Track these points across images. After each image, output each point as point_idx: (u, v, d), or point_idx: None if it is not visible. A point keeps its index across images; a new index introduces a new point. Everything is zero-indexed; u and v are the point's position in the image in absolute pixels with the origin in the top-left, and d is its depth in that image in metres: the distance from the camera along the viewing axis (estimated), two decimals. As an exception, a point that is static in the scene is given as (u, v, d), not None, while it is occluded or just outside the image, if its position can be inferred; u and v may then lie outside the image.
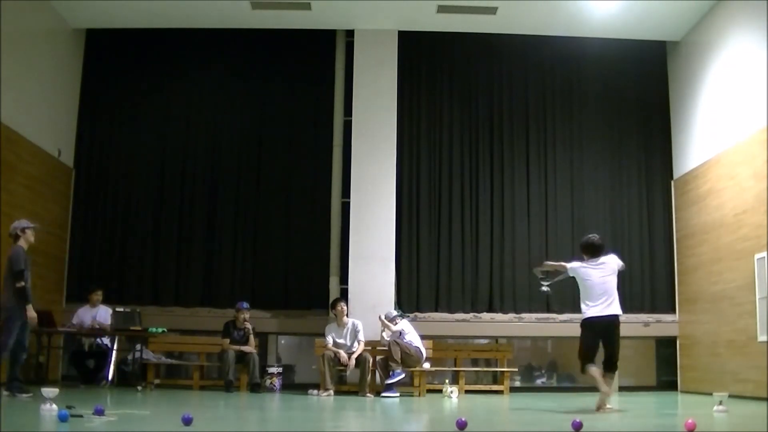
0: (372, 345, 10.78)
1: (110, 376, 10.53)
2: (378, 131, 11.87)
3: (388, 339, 10.45)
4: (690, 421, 5.12)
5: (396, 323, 10.62)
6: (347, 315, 10.70)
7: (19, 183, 10.58)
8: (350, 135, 11.99)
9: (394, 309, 11.01)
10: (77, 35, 12.43)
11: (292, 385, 11.71)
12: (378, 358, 10.64)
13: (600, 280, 7.51)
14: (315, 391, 10.27)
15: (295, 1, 11.43)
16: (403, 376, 10.23)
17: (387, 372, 10.31)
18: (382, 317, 10.55)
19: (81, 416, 5.67)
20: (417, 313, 11.88)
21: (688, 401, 9.98)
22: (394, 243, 11.69)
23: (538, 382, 12.56)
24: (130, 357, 10.86)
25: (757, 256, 9.89)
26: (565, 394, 11.24)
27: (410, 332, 10.62)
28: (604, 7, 11.44)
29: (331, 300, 11.39)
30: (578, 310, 12.37)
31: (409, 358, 10.29)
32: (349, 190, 11.86)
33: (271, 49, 12.75)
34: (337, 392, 10.32)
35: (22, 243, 8.35)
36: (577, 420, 5.17)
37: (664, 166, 12.77)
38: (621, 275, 7.87)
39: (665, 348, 12.48)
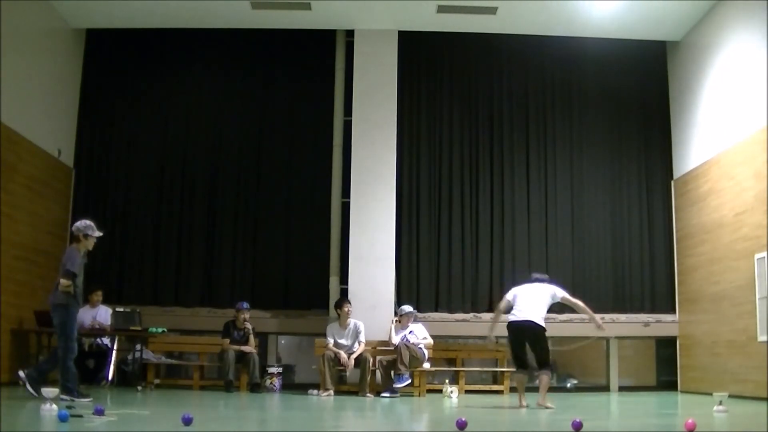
0: (372, 345, 10.79)
1: (110, 376, 10.53)
2: (378, 131, 11.86)
3: (398, 342, 10.43)
4: (690, 421, 5.12)
5: (409, 321, 10.62)
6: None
7: (19, 183, 10.58)
8: (350, 135, 11.98)
9: (410, 306, 10.96)
10: (77, 35, 12.43)
11: (292, 385, 11.71)
12: (379, 358, 10.64)
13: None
14: (315, 391, 10.27)
15: (295, 1, 11.43)
16: (410, 381, 10.24)
17: (389, 373, 10.30)
18: (394, 341, 10.54)
19: (81, 416, 5.68)
20: (417, 313, 11.87)
21: (688, 401, 9.98)
22: (394, 243, 11.69)
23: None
24: (130, 357, 10.86)
25: (757, 256, 9.89)
26: (565, 394, 11.24)
27: (417, 332, 10.64)
28: (604, 7, 11.44)
29: (333, 300, 11.38)
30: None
31: (415, 361, 10.30)
32: (349, 190, 11.85)
33: (271, 49, 12.75)
34: (337, 392, 10.32)
35: (78, 247, 7.99)
36: (578, 420, 5.16)
37: (664, 166, 12.77)
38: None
39: (665, 348, 12.49)
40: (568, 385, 9.39)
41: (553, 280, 8.70)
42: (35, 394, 7.69)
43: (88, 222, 8.16)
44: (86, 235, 8.00)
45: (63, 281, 7.73)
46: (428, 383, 10.82)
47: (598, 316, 8.44)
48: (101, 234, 8.15)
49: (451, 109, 12.72)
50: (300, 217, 12.41)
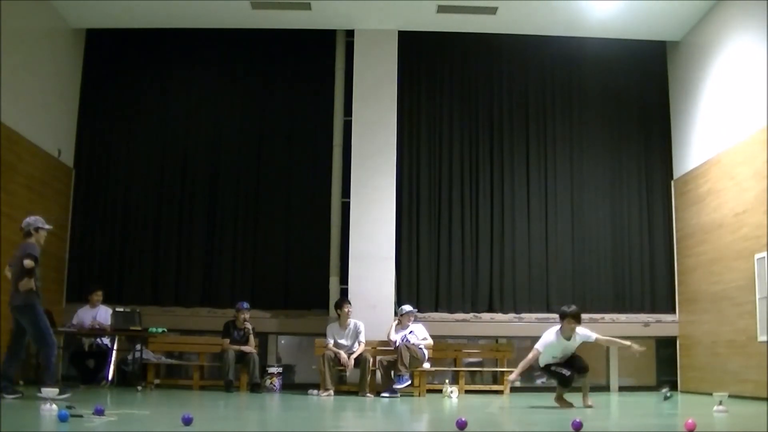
0: (372, 345, 10.79)
1: (110, 376, 10.53)
2: (378, 131, 11.86)
3: (398, 343, 10.43)
4: (690, 421, 5.12)
5: (409, 321, 10.62)
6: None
7: (19, 183, 10.58)
8: (350, 135, 11.98)
9: (410, 306, 10.93)
10: (77, 35, 12.44)
11: (292, 385, 11.71)
12: (379, 358, 10.64)
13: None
14: (315, 391, 10.27)
15: (295, 1, 11.43)
16: (410, 382, 10.24)
17: (389, 373, 10.30)
18: (392, 337, 10.58)
19: (81, 416, 5.67)
20: (417, 313, 11.87)
21: (688, 401, 9.98)
22: (394, 243, 11.68)
23: (538, 382, 12.54)
24: (130, 357, 10.87)
25: (757, 256, 9.89)
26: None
27: (417, 332, 10.64)
28: (604, 7, 11.44)
29: (333, 300, 11.38)
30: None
31: (415, 361, 10.30)
32: (349, 190, 11.85)
33: (271, 49, 12.76)
34: (337, 392, 10.32)
35: (33, 241, 8.04)
36: (577, 420, 5.17)
37: (664, 166, 12.77)
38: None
39: (665, 348, 12.48)
40: (667, 394, 9.72)
41: (559, 318, 8.31)
42: (14, 395, 7.69)
43: (36, 216, 8.25)
44: (37, 229, 8.10)
45: (27, 262, 7.74)
46: (428, 383, 10.82)
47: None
48: (51, 227, 8.19)
49: (451, 109, 12.72)
50: (300, 217, 12.41)
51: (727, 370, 10.50)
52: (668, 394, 9.51)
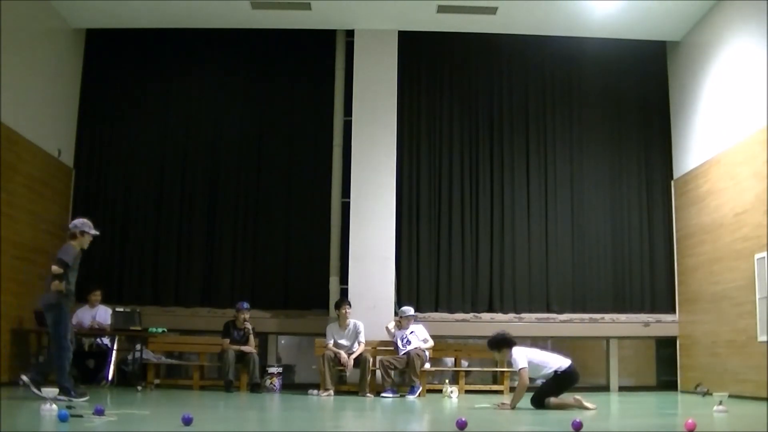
0: (372, 345, 10.79)
1: (110, 376, 10.53)
2: (378, 131, 11.87)
3: (401, 347, 10.46)
4: (690, 421, 5.12)
5: (410, 323, 10.63)
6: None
7: (19, 183, 10.59)
8: (350, 135, 11.99)
9: (411, 309, 10.93)
10: (77, 35, 12.44)
11: (292, 385, 11.72)
12: (379, 358, 10.65)
13: None
14: (315, 391, 10.28)
15: (295, 1, 11.43)
16: (421, 388, 10.28)
17: (389, 373, 10.31)
18: (390, 328, 10.66)
19: (81, 416, 5.68)
20: (417, 313, 11.88)
21: (688, 401, 9.98)
22: (394, 243, 11.69)
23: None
24: (130, 357, 10.87)
25: (757, 256, 9.89)
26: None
27: (417, 333, 10.65)
28: (604, 7, 11.45)
29: (333, 300, 11.40)
30: (578, 309, 12.53)
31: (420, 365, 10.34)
32: (349, 190, 11.86)
33: (271, 49, 12.76)
34: (337, 392, 10.33)
35: (74, 244, 7.98)
36: (577, 420, 5.17)
37: (664, 166, 12.78)
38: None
39: (665, 348, 12.49)
40: (700, 392, 10.01)
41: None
42: (42, 395, 7.68)
43: (85, 220, 8.22)
44: (83, 232, 8.04)
45: (54, 267, 7.73)
46: (428, 383, 10.82)
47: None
48: (98, 233, 8.16)
49: (451, 108, 12.73)
50: (300, 217, 12.41)
51: (727, 370, 10.51)
52: (704, 391, 9.68)
